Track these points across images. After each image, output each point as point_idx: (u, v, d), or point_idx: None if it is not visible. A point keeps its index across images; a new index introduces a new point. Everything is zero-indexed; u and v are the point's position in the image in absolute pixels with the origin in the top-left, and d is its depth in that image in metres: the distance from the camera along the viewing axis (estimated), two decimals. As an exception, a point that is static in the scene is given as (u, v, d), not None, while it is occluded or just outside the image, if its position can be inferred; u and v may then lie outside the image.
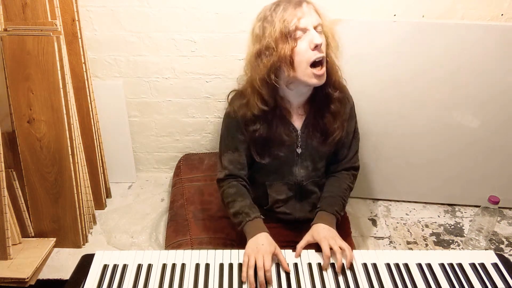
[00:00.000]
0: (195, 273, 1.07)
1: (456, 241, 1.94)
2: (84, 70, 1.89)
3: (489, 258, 1.15)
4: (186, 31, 1.97)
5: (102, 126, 2.10)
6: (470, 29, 1.78)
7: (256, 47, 1.17)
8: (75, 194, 1.80)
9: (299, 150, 1.30)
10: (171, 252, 1.13)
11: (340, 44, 1.23)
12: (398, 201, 2.20)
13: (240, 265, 1.10)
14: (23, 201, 1.78)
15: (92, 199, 1.99)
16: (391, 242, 1.93)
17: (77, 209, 1.82)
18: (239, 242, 1.29)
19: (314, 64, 1.15)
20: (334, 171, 1.40)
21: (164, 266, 1.09)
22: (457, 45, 1.80)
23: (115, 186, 2.26)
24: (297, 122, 1.29)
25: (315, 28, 1.13)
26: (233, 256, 1.14)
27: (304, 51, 1.13)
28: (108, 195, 2.20)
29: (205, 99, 2.16)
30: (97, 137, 2.03)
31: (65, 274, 1.70)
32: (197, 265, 1.09)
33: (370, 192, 2.19)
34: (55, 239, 1.84)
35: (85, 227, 1.89)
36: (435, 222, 2.05)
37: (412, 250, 1.87)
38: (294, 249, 1.17)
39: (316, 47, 1.12)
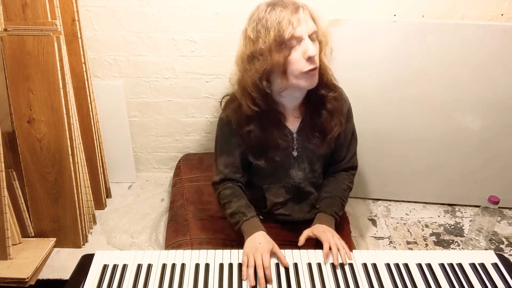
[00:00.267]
0: (195, 273, 1.07)
1: (456, 241, 1.94)
2: (84, 70, 1.89)
3: (489, 258, 1.15)
4: (186, 31, 1.97)
5: (102, 126, 2.10)
6: (470, 29, 1.78)
7: (249, 49, 1.14)
8: (75, 194, 1.80)
9: (295, 153, 1.30)
10: (171, 252, 1.13)
11: (334, 47, 1.22)
12: (398, 201, 2.20)
13: (240, 265, 1.10)
14: (23, 201, 1.78)
15: (92, 199, 1.99)
16: (391, 242, 1.93)
17: (77, 209, 1.82)
18: (239, 242, 1.29)
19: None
20: (333, 172, 1.40)
21: (164, 266, 1.09)
22: (457, 45, 1.80)
23: (115, 186, 2.26)
24: (293, 125, 1.28)
25: (310, 36, 1.09)
26: (233, 256, 1.14)
27: (297, 61, 1.11)
28: (108, 195, 2.20)
29: (205, 99, 2.16)
30: (97, 137, 2.03)
31: (65, 274, 1.70)
32: (197, 265, 1.09)
33: (370, 192, 2.19)
34: (55, 239, 1.84)
35: (85, 227, 1.89)
36: (435, 222, 2.05)
37: (412, 250, 1.87)
38: (293, 247, 1.17)
39: (310, 59, 1.09)
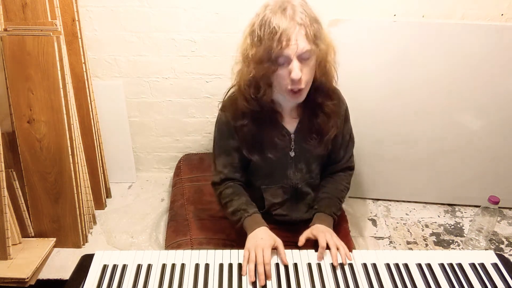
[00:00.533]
0: (195, 273, 1.07)
1: (456, 241, 1.94)
2: (84, 70, 1.89)
3: (489, 258, 1.15)
4: (186, 31, 1.97)
5: (102, 126, 2.10)
6: (470, 29, 1.78)
7: (245, 49, 1.14)
8: (75, 194, 1.80)
9: (292, 154, 1.30)
10: (170, 252, 1.13)
11: (338, 51, 1.19)
12: (398, 201, 2.20)
13: (239, 265, 1.10)
14: (23, 201, 1.78)
15: (92, 199, 1.99)
16: (391, 242, 1.93)
17: (77, 209, 1.82)
18: (239, 242, 1.29)
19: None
20: (330, 172, 1.40)
21: (163, 266, 1.09)
22: (457, 45, 1.80)
23: (115, 186, 2.26)
24: (290, 125, 1.28)
25: (300, 56, 1.06)
26: (233, 256, 1.14)
27: (282, 78, 1.10)
28: (108, 195, 2.20)
29: (205, 99, 2.16)
30: (97, 137, 2.03)
31: (65, 274, 1.70)
32: (197, 265, 1.09)
33: (370, 192, 2.19)
34: (55, 239, 1.84)
35: (85, 227, 1.89)
36: (435, 222, 2.05)
37: (412, 250, 1.87)
38: (292, 248, 1.17)
39: (293, 80, 1.08)
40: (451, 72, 1.85)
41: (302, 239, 1.20)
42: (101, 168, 2.08)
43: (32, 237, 1.84)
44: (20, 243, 1.77)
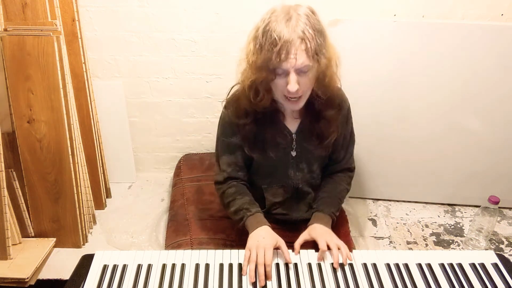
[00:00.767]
0: (195, 273, 1.07)
1: (456, 241, 1.94)
2: (84, 70, 1.89)
3: (489, 258, 1.15)
4: (186, 31, 1.97)
5: (102, 126, 2.10)
6: (470, 29, 1.78)
7: (246, 53, 1.15)
8: (75, 194, 1.80)
9: (293, 153, 1.30)
10: (171, 252, 1.13)
11: (341, 57, 1.17)
12: (398, 201, 2.20)
13: (240, 265, 1.10)
14: (23, 201, 1.78)
15: (92, 199, 1.99)
16: (391, 242, 1.93)
17: (77, 209, 1.82)
18: (239, 242, 1.29)
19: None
20: (330, 172, 1.40)
21: (164, 266, 1.09)
22: (457, 45, 1.80)
23: (115, 186, 2.26)
24: (292, 125, 1.28)
25: (297, 69, 1.06)
26: (233, 256, 1.14)
27: (280, 87, 1.11)
28: (108, 195, 2.20)
29: (205, 99, 2.16)
30: (97, 137, 2.03)
31: (65, 274, 1.70)
32: (197, 265, 1.09)
33: (370, 192, 2.19)
34: (55, 239, 1.84)
35: (85, 227, 1.89)
36: (435, 222, 2.05)
37: (412, 250, 1.87)
38: (292, 249, 1.17)
39: (290, 91, 1.09)
40: (451, 72, 1.85)
41: (297, 245, 1.17)
42: (101, 168, 2.08)
43: (32, 237, 1.84)
44: (20, 243, 1.77)
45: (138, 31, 1.97)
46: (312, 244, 1.20)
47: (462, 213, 2.12)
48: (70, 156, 1.75)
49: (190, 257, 1.12)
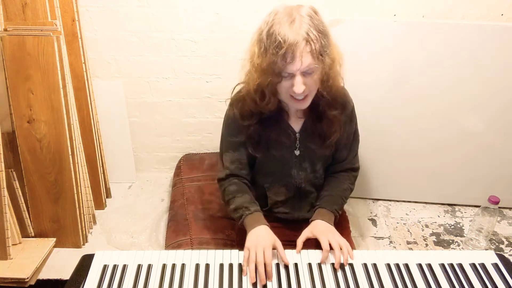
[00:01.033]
0: (195, 273, 1.07)
1: (456, 241, 1.94)
2: (84, 70, 1.89)
3: (489, 258, 1.15)
4: (186, 31, 1.97)
5: (102, 126, 2.10)
6: (470, 29, 1.78)
7: (251, 54, 1.14)
8: (75, 194, 1.80)
9: (297, 152, 1.30)
10: (171, 252, 1.13)
11: (344, 59, 1.18)
12: (398, 201, 2.20)
13: (240, 265, 1.10)
14: (23, 201, 1.78)
15: (92, 199, 1.99)
16: (391, 242, 1.93)
17: (77, 209, 1.82)
18: (239, 242, 1.29)
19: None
20: (333, 172, 1.40)
21: (164, 266, 1.09)
22: (457, 45, 1.80)
23: (115, 186, 2.26)
24: (296, 124, 1.28)
25: (304, 72, 1.07)
26: (233, 256, 1.14)
27: (285, 89, 1.12)
28: (108, 195, 2.20)
29: (205, 99, 2.16)
30: (97, 137, 2.03)
31: (65, 274, 1.70)
32: (197, 265, 1.09)
33: (370, 192, 2.19)
34: (55, 239, 1.84)
35: (85, 227, 1.89)
36: (435, 222, 2.05)
37: (412, 250, 1.87)
38: (294, 247, 1.17)
39: (295, 93, 1.10)
40: (451, 72, 1.85)
41: (300, 243, 1.17)
42: (101, 168, 2.08)
43: (32, 237, 1.84)
44: (20, 243, 1.77)
45: (138, 31, 1.97)
46: (314, 244, 1.20)
47: (462, 213, 2.12)
48: (70, 156, 1.75)
49: (190, 257, 1.12)
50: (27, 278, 1.62)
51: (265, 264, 1.07)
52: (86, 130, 1.96)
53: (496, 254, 1.16)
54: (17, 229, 1.76)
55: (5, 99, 1.68)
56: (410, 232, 1.99)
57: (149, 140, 2.29)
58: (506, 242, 1.94)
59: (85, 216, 1.90)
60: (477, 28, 1.78)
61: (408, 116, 1.96)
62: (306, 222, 1.30)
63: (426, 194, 2.17)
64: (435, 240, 1.95)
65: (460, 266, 1.12)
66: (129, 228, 1.99)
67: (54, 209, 1.81)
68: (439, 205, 2.17)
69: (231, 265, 1.10)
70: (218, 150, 1.41)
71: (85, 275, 1.06)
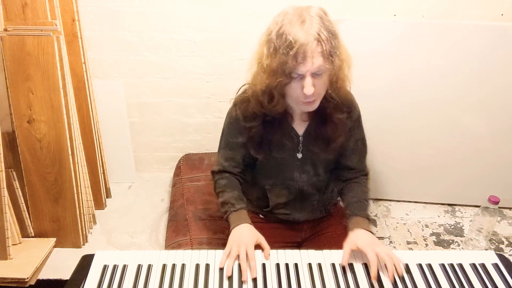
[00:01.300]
0: (195, 273, 1.07)
1: (456, 241, 1.94)
2: (84, 70, 1.89)
3: (489, 258, 1.15)
4: (186, 31, 1.97)
5: (102, 126, 2.10)
6: (470, 29, 1.78)
7: (260, 56, 1.12)
8: (75, 194, 1.80)
9: (299, 155, 1.29)
10: (171, 252, 1.13)
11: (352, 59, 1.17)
12: (398, 201, 2.19)
13: (240, 266, 1.10)
14: (23, 201, 1.78)
15: (92, 199, 1.99)
16: (391, 242, 1.93)
17: (77, 209, 1.82)
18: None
19: None
20: (349, 178, 1.38)
21: (164, 266, 1.09)
22: (457, 45, 1.80)
23: (115, 186, 2.26)
24: (299, 127, 1.27)
25: (314, 73, 1.05)
26: (233, 256, 1.14)
27: (295, 91, 1.10)
28: (108, 195, 2.20)
29: (205, 99, 2.16)
30: (97, 137, 2.03)
31: (65, 274, 1.70)
32: (197, 265, 1.09)
33: (370, 192, 2.18)
34: (55, 239, 1.84)
35: (85, 227, 1.89)
36: (435, 222, 2.05)
37: (412, 250, 1.87)
38: (293, 248, 1.17)
39: (305, 95, 1.07)
40: (451, 72, 1.85)
41: (346, 256, 1.11)
42: (101, 168, 2.08)
43: (32, 237, 1.84)
44: (20, 243, 1.77)
45: (138, 31, 1.97)
46: (314, 244, 1.19)
47: (462, 213, 2.12)
48: (70, 156, 1.75)
49: (190, 257, 1.12)
50: (27, 278, 1.62)
51: (249, 260, 1.08)
52: (86, 130, 1.96)
53: (496, 254, 1.16)
54: (17, 229, 1.76)
55: (5, 99, 1.68)
56: (410, 232, 1.99)
57: (149, 140, 2.29)
58: (506, 242, 1.94)
59: (85, 216, 1.90)
60: (477, 28, 1.78)
61: (408, 116, 1.96)
62: (306, 223, 1.30)
63: (426, 194, 2.17)
64: (435, 240, 1.94)
65: (460, 266, 1.12)
66: (129, 228, 1.99)
67: (54, 209, 1.81)
68: (439, 205, 2.17)
69: (231, 265, 1.10)
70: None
71: (85, 275, 1.06)
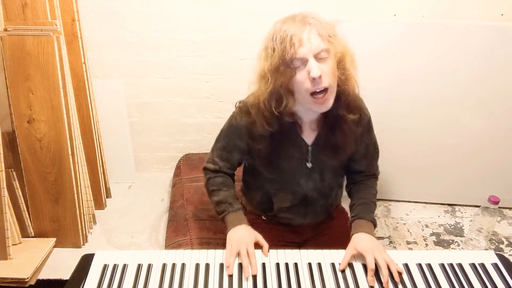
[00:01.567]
0: (195, 273, 1.07)
1: (456, 241, 1.94)
2: (84, 70, 1.89)
3: (489, 258, 1.15)
4: (186, 31, 1.97)
5: (102, 126, 2.10)
6: (470, 29, 1.78)
7: (261, 68, 1.11)
8: (75, 194, 1.80)
9: (309, 165, 1.27)
10: (171, 252, 1.13)
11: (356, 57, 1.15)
12: (398, 201, 2.19)
13: (240, 265, 1.10)
14: (23, 201, 1.78)
15: (92, 199, 1.99)
16: (391, 242, 1.93)
17: (77, 209, 1.82)
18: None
19: (315, 92, 1.07)
20: (359, 180, 1.38)
21: (164, 266, 1.09)
22: (457, 45, 1.80)
23: (115, 186, 2.26)
24: (308, 137, 1.24)
25: (316, 55, 1.03)
26: (233, 256, 1.14)
27: (302, 82, 1.05)
28: (108, 195, 2.20)
29: (205, 99, 2.16)
30: (97, 137, 2.03)
31: (65, 274, 1.70)
32: (197, 265, 1.09)
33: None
34: (55, 239, 1.84)
35: (85, 227, 1.89)
36: (435, 222, 2.05)
37: (412, 250, 1.87)
38: (293, 248, 1.17)
39: (314, 80, 1.03)
40: (451, 72, 1.85)
41: (344, 263, 1.11)
42: (101, 168, 2.08)
43: (32, 237, 1.84)
44: (20, 243, 1.77)
45: (138, 31, 1.97)
46: (316, 245, 1.19)
47: (462, 213, 2.12)
48: (70, 156, 1.75)
49: (190, 257, 1.12)
50: (27, 278, 1.62)
51: (249, 257, 1.10)
52: (86, 130, 1.96)
53: (496, 254, 1.16)
54: (17, 229, 1.76)
55: (5, 99, 1.68)
56: (410, 232, 1.99)
57: (149, 140, 2.29)
58: (506, 242, 1.94)
59: (85, 216, 1.90)
60: (477, 28, 1.78)
61: (408, 116, 1.96)
62: (309, 227, 1.29)
63: (426, 194, 2.17)
64: (435, 240, 1.94)
65: (460, 266, 1.12)
66: (129, 228, 1.99)
67: (54, 209, 1.81)
68: (439, 205, 2.17)
69: (231, 265, 1.11)
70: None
71: (85, 275, 1.06)
